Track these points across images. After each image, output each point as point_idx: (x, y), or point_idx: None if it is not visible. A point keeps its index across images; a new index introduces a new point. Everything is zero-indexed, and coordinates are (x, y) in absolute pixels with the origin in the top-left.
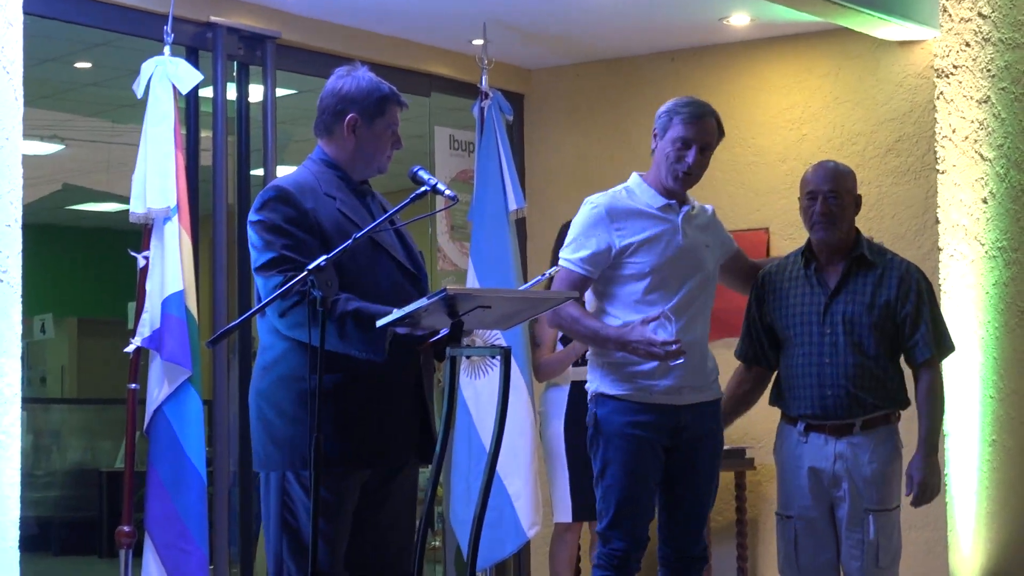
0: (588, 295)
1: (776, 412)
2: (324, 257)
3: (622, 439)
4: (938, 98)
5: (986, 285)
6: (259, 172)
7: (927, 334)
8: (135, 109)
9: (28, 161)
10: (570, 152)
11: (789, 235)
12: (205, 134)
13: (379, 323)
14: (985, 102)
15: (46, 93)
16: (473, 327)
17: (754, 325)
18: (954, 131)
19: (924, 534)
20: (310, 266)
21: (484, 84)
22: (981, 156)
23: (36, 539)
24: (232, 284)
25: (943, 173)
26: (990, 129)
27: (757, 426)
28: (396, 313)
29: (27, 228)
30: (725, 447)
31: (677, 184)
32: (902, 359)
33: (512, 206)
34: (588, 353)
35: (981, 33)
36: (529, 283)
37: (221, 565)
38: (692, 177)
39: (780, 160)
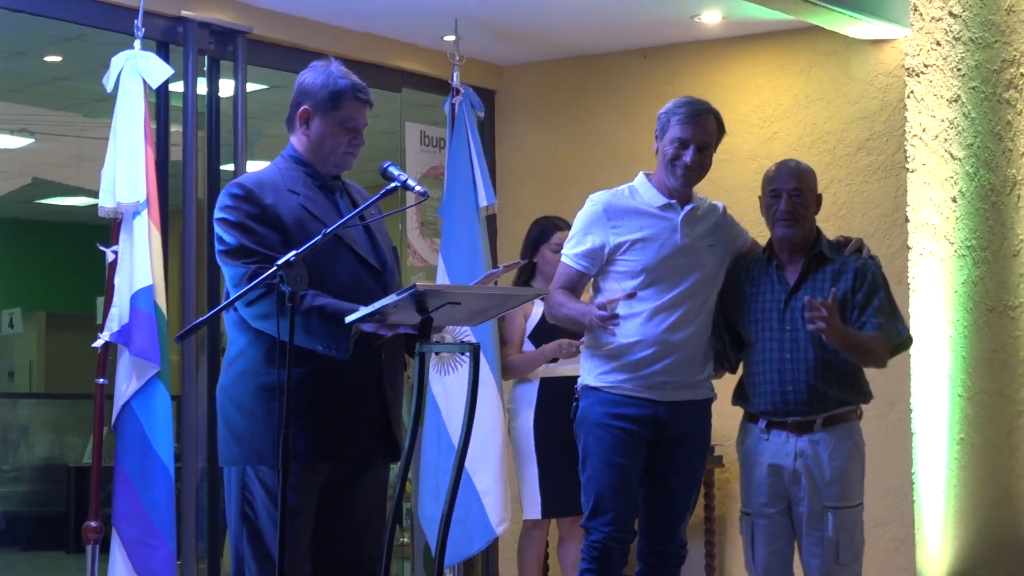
0: (590, 291)
1: None
2: (294, 252)
3: (602, 429)
4: (908, 97)
5: (955, 284)
6: (229, 167)
7: (874, 316)
8: (105, 103)
9: None
10: (541, 149)
11: (760, 233)
12: (175, 129)
13: (348, 319)
14: (955, 101)
15: (16, 87)
16: (443, 323)
17: (717, 323)
18: (924, 130)
19: (891, 531)
20: (279, 261)
21: (455, 80)
22: (951, 155)
23: (3, 534)
24: (201, 279)
25: (913, 172)
26: (960, 128)
27: (727, 423)
28: (365, 309)
29: None
30: None
31: (678, 183)
32: None
33: (482, 202)
34: (583, 345)
35: (952, 32)
36: (479, 277)
37: (188, 561)
38: (692, 176)
39: (751, 158)
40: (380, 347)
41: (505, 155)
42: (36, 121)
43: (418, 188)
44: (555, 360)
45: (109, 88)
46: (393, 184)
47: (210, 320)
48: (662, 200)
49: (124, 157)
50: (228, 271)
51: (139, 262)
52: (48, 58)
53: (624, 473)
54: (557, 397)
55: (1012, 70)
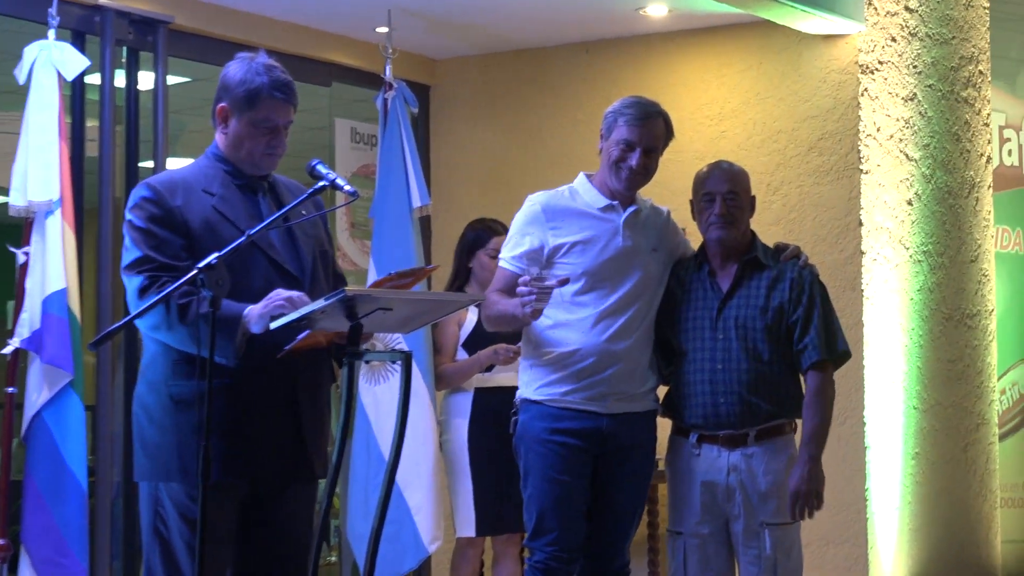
0: None
1: None
2: (215, 255)
3: (541, 445)
4: (862, 95)
5: (910, 291)
6: (149, 164)
7: (816, 338)
8: (17, 96)
9: None
10: (477, 146)
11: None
12: (91, 123)
13: (272, 325)
14: (911, 99)
15: None
16: (373, 330)
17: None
18: (879, 129)
19: (844, 550)
20: (200, 264)
21: (388, 74)
22: (906, 156)
23: None
24: (118, 283)
25: (867, 173)
26: (916, 128)
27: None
28: (290, 315)
29: None
30: None
31: (621, 186)
32: None
33: (416, 203)
34: (520, 357)
35: (908, 28)
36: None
37: None
38: (637, 180)
39: (698, 158)
40: (283, 357)
41: (440, 153)
42: None
43: (348, 188)
44: (490, 369)
45: (21, 80)
46: (321, 183)
47: (126, 326)
48: (604, 201)
49: (36, 153)
50: (126, 281)
51: (52, 264)
52: None
53: (566, 490)
54: (492, 407)
55: (970, 67)
